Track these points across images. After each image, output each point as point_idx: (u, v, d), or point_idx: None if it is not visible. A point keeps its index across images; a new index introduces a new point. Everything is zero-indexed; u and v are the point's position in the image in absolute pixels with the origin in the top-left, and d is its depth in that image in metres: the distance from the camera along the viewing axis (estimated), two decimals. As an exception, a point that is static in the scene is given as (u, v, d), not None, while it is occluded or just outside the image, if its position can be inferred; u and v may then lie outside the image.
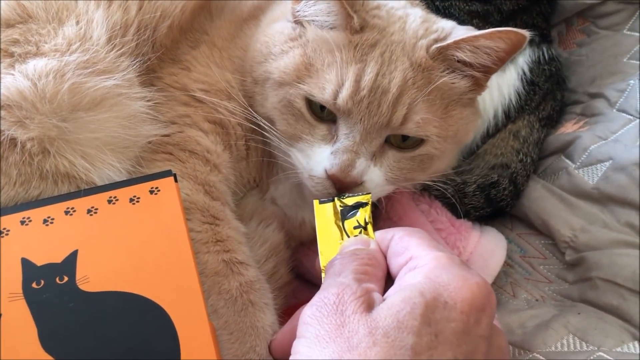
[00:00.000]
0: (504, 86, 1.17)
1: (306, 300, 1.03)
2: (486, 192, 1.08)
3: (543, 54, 1.19)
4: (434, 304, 0.56)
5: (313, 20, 0.85)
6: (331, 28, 0.83)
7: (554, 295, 1.01)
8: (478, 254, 1.02)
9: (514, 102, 1.17)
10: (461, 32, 0.85)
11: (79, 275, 0.70)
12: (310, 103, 0.82)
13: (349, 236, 0.73)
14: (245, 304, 0.77)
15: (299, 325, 0.60)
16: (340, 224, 0.74)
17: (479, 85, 0.87)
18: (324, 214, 0.75)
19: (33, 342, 0.67)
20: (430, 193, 1.07)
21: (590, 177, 1.04)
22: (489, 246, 1.04)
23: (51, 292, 0.69)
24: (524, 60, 1.18)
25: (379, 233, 0.71)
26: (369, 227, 0.74)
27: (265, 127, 0.87)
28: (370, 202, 0.76)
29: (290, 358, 0.58)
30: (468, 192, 1.08)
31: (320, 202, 0.76)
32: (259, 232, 0.92)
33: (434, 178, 0.93)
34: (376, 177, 0.82)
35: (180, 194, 0.77)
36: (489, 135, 1.18)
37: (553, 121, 1.21)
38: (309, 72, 0.82)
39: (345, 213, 0.75)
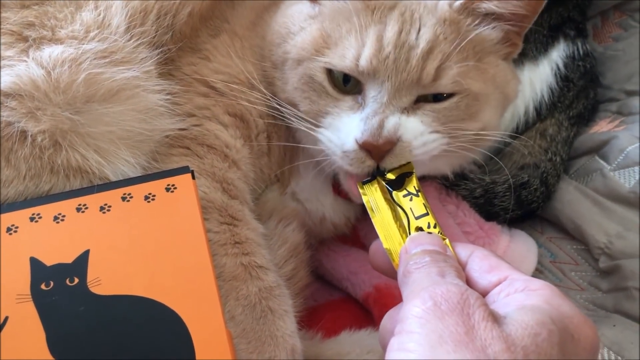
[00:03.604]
0: (536, 81, 1.12)
1: (326, 302, 1.03)
2: (517, 193, 1.03)
3: (578, 49, 1.14)
4: (564, 335, 0.53)
5: None
6: None
7: (587, 304, 0.97)
8: (508, 260, 0.95)
9: (546, 99, 1.12)
10: None
11: (90, 277, 0.66)
12: (332, 76, 0.79)
13: (403, 209, 0.71)
14: (264, 311, 0.73)
15: (403, 319, 0.55)
16: (390, 198, 0.72)
17: (512, 42, 0.84)
18: (370, 194, 0.74)
19: (41, 346, 0.63)
20: (458, 193, 1.03)
21: (626, 180, 0.99)
22: (520, 251, 1.00)
23: (61, 294, 0.65)
24: (558, 54, 1.12)
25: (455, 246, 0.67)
26: (421, 194, 0.72)
27: (289, 112, 0.83)
28: (414, 170, 0.75)
29: (395, 356, 0.53)
30: (498, 192, 1.03)
31: (363, 183, 0.75)
32: (278, 231, 0.88)
33: (485, 136, 0.84)
34: (412, 125, 0.77)
35: (198, 192, 0.73)
36: (518, 132, 1.13)
37: (584, 119, 1.15)
38: (327, 44, 0.80)
39: (391, 186, 0.73)
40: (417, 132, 0.77)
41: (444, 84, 0.77)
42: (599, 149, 1.07)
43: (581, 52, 1.15)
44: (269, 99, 0.84)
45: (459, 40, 0.77)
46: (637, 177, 0.98)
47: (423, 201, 0.72)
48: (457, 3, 0.79)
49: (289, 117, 0.83)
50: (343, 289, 1.02)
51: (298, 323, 0.79)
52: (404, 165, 0.75)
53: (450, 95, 0.78)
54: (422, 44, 0.76)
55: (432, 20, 0.78)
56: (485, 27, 0.80)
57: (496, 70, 0.83)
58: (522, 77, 1.10)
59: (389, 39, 0.76)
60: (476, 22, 0.80)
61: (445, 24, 0.78)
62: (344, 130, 0.78)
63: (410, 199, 0.72)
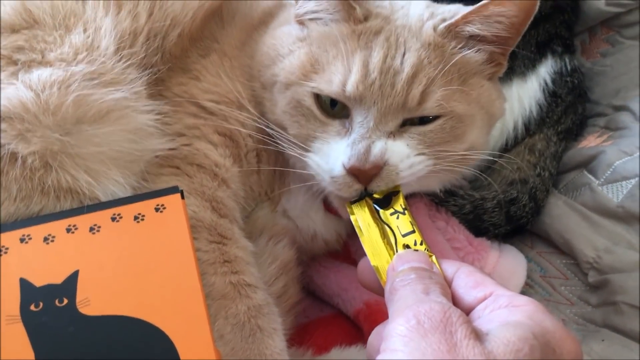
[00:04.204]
0: (524, 97, 1.13)
1: (317, 318, 1.03)
2: (506, 209, 1.04)
3: (565, 65, 1.15)
4: (545, 349, 0.54)
5: (315, 18, 0.84)
6: (333, 22, 0.82)
7: (576, 318, 0.97)
8: (497, 275, 0.97)
9: (534, 114, 1.13)
10: (468, 8, 0.82)
11: (79, 297, 0.67)
12: (320, 100, 0.80)
13: (390, 227, 0.72)
14: (253, 330, 0.74)
15: (387, 337, 0.55)
16: (377, 217, 0.74)
17: (497, 62, 0.85)
18: (358, 213, 0.76)
19: (30, 368, 0.64)
20: (448, 209, 1.04)
21: (615, 195, 1.00)
22: (509, 266, 1.00)
23: (50, 315, 0.66)
24: (546, 70, 1.14)
25: (442, 263, 0.68)
26: (408, 212, 0.74)
27: (278, 135, 0.84)
28: (401, 190, 0.76)
29: None
30: (487, 208, 1.04)
31: (352, 203, 0.77)
32: (268, 249, 0.89)
33: (472, 155, 0.85)
34: (399, 149, 0.77)
35: (187, 212, 0.73)
36: (507, 148, 1.14)
37: (572, 134, 1.16)
38: (314, 69, 0.80)
39: (378, 205, 0.75)
40: (404, 155, 0.77)
41: (429, 107, 0.78)
42: (588, 163, 1.08)
43: (569, 68, 1.16)
44: (257, 120, 0.85)
45: (443, 64, 0.78)
46: (625, 192, 0.99)
47: (410, 219, 0.73)
48: (441, 26, 0.80)
49: (278, 140, 0.84)
50: (334, 305, 1.02)
51: (288, 340, 0.80)
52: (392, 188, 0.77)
53: (435, 118, 0.79)
54: (407, 68, 0.77)
55: (416, 44, 0.79)
56: (470, 50, 0.81)
57: (481, 91, 0.83)
58: (511, 93, 1.12)
59: (374, 64, 0.77)
60: (460, 44, 0.80)
61: (430, 48, 0.79)
62: (332, 156, 0.78)
63: (397, 217, 0.73)
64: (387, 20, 0.82)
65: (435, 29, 0.80)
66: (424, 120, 0.79)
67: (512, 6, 0.77)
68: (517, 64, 1.12)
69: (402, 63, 0.77)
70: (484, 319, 0.58)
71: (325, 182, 0.80)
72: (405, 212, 0.74)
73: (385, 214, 0.74)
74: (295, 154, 0.82)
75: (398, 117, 0.78)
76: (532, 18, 0.79)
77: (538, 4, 0.77)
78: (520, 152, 1.12)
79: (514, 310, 0.57)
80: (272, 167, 0.90)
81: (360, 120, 0.77)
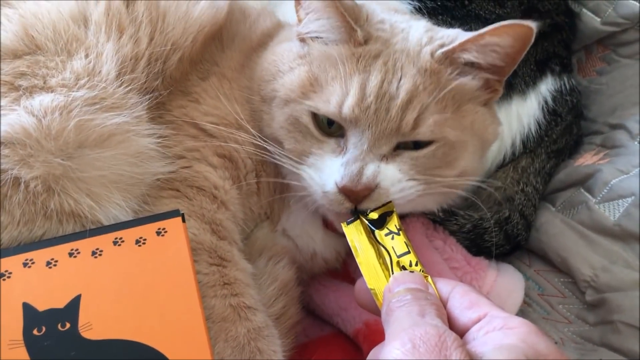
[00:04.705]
0: (524, 115, 1.14)
1: (318, 338, 1.03)
2: (504, 228, 1.05)
3: (564, 84, 1.16)
4: None
5: (317, 37, 0.85)
6: (334, 42, 0.84)
7: (574, 337, 0.98)
8: (495, 294, 0.98)
9: (533, 132, 1.14)
10: (466, 35, 0.84)
11: (81, 321, 0.68)
12: (317, 119, 0.82)
13: (385, 248, 0.73)
14: (253, 352, 0.74)
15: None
16: (373, 237, 0.75)
17: (492, 88, 0.86)
18: (354, 234, 0.76)
19: (33, 392, 0.64)
20: (448, 228, 1.04)
21: (611, 213, 1.01)
22: (507, 286, 1.01)
23: (52, 339, 0.67)
24: (546, 88, 1.15)
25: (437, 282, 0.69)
26: (402, 232, 0.74)
27: (274, 150, 0.85)
28: (394, 210, 0.77)
29: None
30: (487, 228, 1.05)
31: (348, 223, 0.77)
32: (268, 269, 0.90)
33: (466, 181, 0.87)
34: (391, 173, 0.79)
35: (188, 235, 0.74)
36: (504, 164, 1.15)
37: (563, 154, 1.18)
38: (313, 87, 0.82)
39: (374, 225, 0.76)
40: (395, 180, 0.79)
41: (422, 132, 0.79)
42: (584, 181, 1.08)
43: (567, 87, 1.17)
44: (256, 138, 0.86)
45: (438, 90, 0.79)
46: (622, 210, 0.99)
47: (404, 239, 0.74)
48: (438, 52, 0.81)
49: (273, 154, 0.85)
50: (334, 324, 1.03)
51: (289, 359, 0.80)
52: (386, 204, 0.78)
53: (428, 143, 0.80)
54: (402, 94, 0.78)
55: (412, 70, 0.80)
56: (465, 77, 0.82)
57: (475, 117, 0.84)
58: (510, 110, 1.13)
59: (371, 88, 0.78)
60: (456, 71, 0.82)
61: (426, 74, 0.80)
62: (325, 172, 0.80)
63: (392, 238, 0.74)
64: (387, 44, 0.83)
65: (432, 54, 0.81)
66: (417, 145, 0.80)
67: (507, 37, 0.78)
68: (517, 81, 1.13)
69: (397, 88, 0.79)
70: (478, 341, 0.59)
71: (317, 196, 0.82)
72: (400, 232, 0.75)
73: (380, 234, 0.75)
74: (290, 166, 0.84)
75: (392, 140, 0.79)
76: (527, 49, 0.80)
77: (534, 36, 0.78)
78: (506, 170, 1.14)
79: (508, 332, 0.58)
80: (271, 186, 0.92)
81: (355, 142, 0.79)
